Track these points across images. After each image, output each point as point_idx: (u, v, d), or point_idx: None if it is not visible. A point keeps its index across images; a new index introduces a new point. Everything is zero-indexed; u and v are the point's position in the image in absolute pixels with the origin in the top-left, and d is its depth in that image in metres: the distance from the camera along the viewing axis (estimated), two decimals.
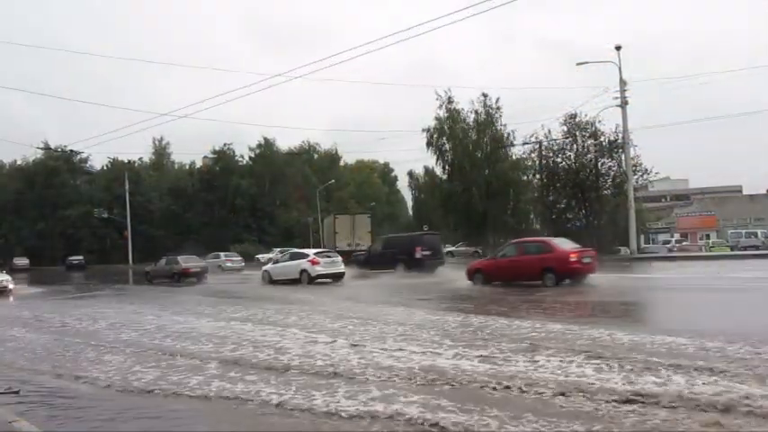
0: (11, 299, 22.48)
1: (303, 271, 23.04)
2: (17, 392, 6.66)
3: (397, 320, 10.86)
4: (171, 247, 60.58)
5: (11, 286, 24.22)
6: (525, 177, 42.68)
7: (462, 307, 13.25)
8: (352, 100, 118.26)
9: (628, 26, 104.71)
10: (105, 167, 68.10)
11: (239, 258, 41.44)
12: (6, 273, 26.88)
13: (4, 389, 6.80)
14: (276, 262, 26.56)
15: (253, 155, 68.14)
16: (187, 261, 29.34)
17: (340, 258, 24.67)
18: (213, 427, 5.51)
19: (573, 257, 16.93)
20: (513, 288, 16.79)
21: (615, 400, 5.11)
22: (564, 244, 18.27)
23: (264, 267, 26.31)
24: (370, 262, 26.82)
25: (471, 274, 19.05)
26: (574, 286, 16.39)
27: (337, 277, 23.39)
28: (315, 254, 24.39)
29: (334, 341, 8.80)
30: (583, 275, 17.04)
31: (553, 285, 16.40)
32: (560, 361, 6.67)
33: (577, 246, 18.44)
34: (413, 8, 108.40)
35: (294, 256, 24.98)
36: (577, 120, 36.47)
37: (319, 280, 22.82)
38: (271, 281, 24.20)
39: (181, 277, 28.17)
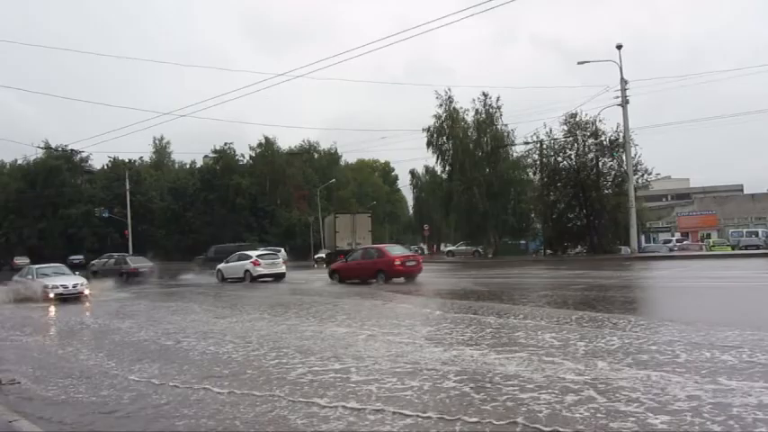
0: (86, 304, 18.62)
1: (246, 271, 25.75)
2: (19, 383, 7.27)
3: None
4: (172, 246, 60.98)
5: (87, 291, 20.23)
6: (526, 177, 42.73)
7: (304, 294, 18.39)
8: (352, 99, 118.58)
9: (628, 26, 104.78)
10: (106, 167, 68.06)
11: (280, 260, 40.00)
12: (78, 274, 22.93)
13: (7, 380, 7.15)
14: (227, 262, 27.93)
15: (253, 154, 68.12)
16: (135, 261, 31.56)
17: (281, 260, 27.68)
18: None
19: (397, 262, 20.89)
20: (355, 285, 20.65)
21: None
22: (394, 251, 22.32)
23: (218, 266, 28.01)
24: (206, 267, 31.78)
25: (331, 274, 23.13)
26: (401, 284, 19.97)
27: (278, 277, 25.91)
28: (257, 256, 27.16)
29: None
30: (410, 275, 20.92)
31: (383, 283, 20.16)
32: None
33: (406, 252, 23.56)
34: (413, 8, 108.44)
35: (241, 257, 27.20)
36: (578, 119, 36.52)
37: (261, 279, 25.41)
38: (223, 279, 26.87)
39: (129, 276, 29.51)
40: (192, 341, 9.75)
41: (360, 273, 21.47)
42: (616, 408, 4.91)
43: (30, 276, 21.47)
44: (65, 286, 19.78)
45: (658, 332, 8.36)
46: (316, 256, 46.67)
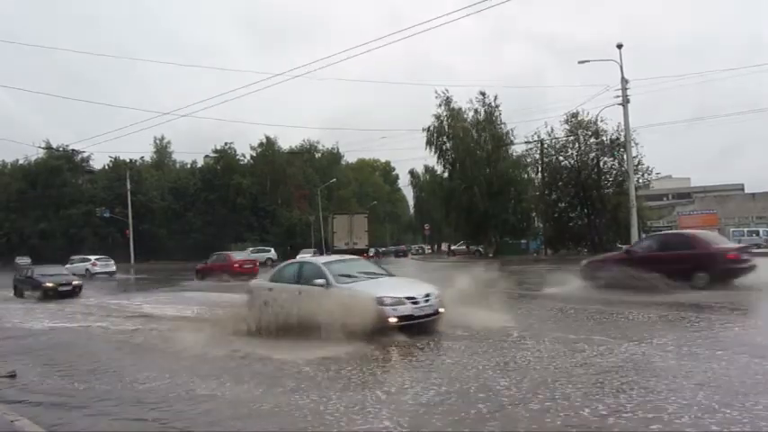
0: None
1: (87, 270, 35.03)
2: (14, 376, 7.61)
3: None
4: (172, 246, 61.01)
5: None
6: (527, 176, 42.72)
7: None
8: (353, 99, 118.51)
9: (629, 25, 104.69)
10: (107, 167, 68.11)
11: (111, 262, 38.62)
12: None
13: (5, 372, 7.30)
14: (72, 263, 35.26)
15: (254, 154, 68.14)
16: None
17: (113, 261, 38.22)
18: None
19: (236, 264, 27.97)
20: (214, 282, 25.05)
21: None
22: (237, 255, 30.18)
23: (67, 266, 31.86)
24: None
25: (196, 273, 29.14)
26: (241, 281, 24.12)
27: (111, 274, 36.05)
28: (95, 259, 37.86)
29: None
30: (247, 275, 24.21)
31: (228, 281, 24.42)
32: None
33: (247, 256, 30.45)
34: (413, 7, 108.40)
35: (83, 260, 37.44)
36: (579, 118, 36.51)
37: (97, 275, 34.94)
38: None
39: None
40: None
41: (214, 273, 27.35)
42: None
43: None
44: None
45: None
46: (298, 257, 46.20)
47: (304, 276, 10.70)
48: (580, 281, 15.43)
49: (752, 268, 13.69)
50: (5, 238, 61.62)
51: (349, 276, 10.44)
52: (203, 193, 64.05)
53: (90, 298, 20.63)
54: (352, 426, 5.13)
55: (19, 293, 22.43)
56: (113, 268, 37.23)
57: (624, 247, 21.37)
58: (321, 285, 9.97)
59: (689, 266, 13.26)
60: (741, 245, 17.56)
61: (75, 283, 21.96)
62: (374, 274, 11.01)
